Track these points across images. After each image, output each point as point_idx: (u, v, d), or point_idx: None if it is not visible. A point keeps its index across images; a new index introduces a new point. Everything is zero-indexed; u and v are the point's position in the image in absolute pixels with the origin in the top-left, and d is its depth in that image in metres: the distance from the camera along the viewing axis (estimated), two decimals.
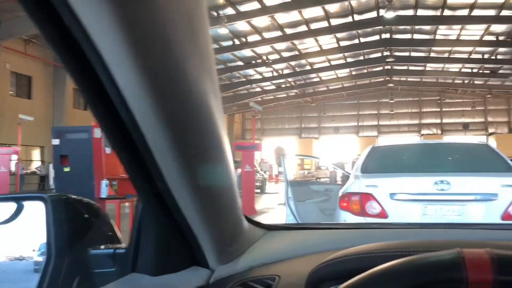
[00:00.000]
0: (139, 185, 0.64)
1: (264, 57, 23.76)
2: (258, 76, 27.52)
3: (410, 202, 3.64)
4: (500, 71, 26.29)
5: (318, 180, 22.92)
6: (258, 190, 18.35)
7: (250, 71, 26.29)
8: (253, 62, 24.05)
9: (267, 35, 20.71)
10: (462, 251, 0.45)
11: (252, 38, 21.04)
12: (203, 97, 0.57)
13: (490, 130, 33.90)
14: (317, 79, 30.12)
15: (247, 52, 22.76)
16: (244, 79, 27.62)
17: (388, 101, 34.53)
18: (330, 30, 20.66)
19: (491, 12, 18.23)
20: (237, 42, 21.23)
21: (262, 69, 25.87)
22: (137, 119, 0.51)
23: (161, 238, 0.72)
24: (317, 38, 21.79)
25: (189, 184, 0.62)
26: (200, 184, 0.64)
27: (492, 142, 29.44)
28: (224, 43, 21.16)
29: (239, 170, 11.38)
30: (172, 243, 0.72)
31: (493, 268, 0.42)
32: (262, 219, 10.48)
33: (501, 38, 20.90)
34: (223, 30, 19.23)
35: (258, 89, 30.39)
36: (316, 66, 26.84)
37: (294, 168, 32.63)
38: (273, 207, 12.76)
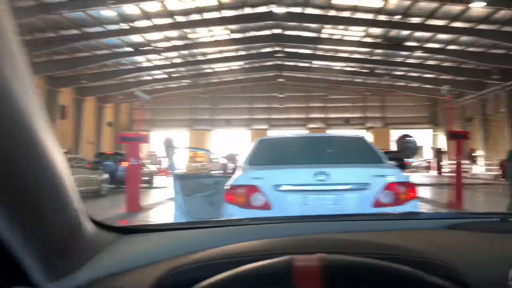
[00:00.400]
0: None
1: (154, 44, 22.72)
2: (148, 64, 26.30)
3: (292, 193, 3.84)
4: (376, 71, 28.85)
5: (210, 173, 22.90)
6: (146, 185, 17.61)
7: (139, 58, 24.98)
8: (141, 48, 22.80)
9: (157, 21, 19.77)
10: (293, 260, 0.43)
11: (142, 23, 19.92)
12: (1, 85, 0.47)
13: (368, 125, 37.17)
14: (210, 70, 29.90)
15: (135, 38, 21.52)
16: (133, 67, 26.16)
17: (278, 95, 35.81)
18: (223, 21, 20.50)
19: (370, 16, 19.74)
20: (124, 26, 19.92)
21: (152, 56, 24.74)
22: None
23: None
24: (209, 28, 21.49)
25: None
26: (10, 188, 0.52)
27: (370, 136, 32.34)
28: (110, 27, 19.68)
29: (125, 164, 10.64)
30: None
31: (322, 277, 0.40)
32: (148, 215, 9.90)
33: (378, 40, 22.81)
34: (108, 12, 17.84)
35: (148, 78, 29.11)
36: (209, 57, 26.56)
37: (186, 161, 32.14)
38: (161, 202, 12.21)
